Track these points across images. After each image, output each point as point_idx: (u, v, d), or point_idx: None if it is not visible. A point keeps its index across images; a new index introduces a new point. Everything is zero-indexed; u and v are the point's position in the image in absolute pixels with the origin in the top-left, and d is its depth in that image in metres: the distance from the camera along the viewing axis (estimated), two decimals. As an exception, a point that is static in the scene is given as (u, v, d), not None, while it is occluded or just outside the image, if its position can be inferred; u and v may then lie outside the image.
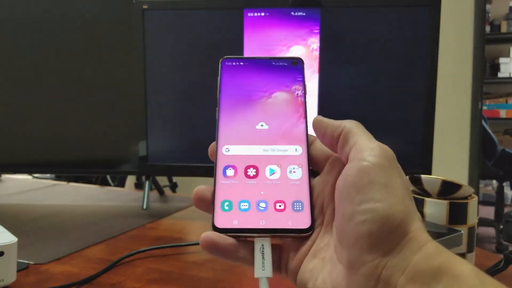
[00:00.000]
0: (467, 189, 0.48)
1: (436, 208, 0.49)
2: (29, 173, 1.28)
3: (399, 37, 0.72)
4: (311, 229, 0.29)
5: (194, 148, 0.78)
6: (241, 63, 0.35)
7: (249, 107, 0.33)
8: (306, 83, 0.34)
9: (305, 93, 0.33)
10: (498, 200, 2.67)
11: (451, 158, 1.91)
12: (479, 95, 1.93)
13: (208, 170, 0.70)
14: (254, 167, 0.31)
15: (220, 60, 0.36)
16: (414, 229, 0.25)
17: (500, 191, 2.65)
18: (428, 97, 0.72)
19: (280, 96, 0.33)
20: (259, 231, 0.28)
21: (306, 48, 0.73)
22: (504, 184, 2.70)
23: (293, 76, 0.34)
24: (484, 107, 3.38)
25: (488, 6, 3.43)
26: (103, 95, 0.88)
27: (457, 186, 0.48)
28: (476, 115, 1.93)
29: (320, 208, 0.30)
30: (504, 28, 3.56)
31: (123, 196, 1.02)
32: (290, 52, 0.73)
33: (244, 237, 0.29)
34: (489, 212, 2.82)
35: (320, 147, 0.32)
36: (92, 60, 0.88)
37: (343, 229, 0.26)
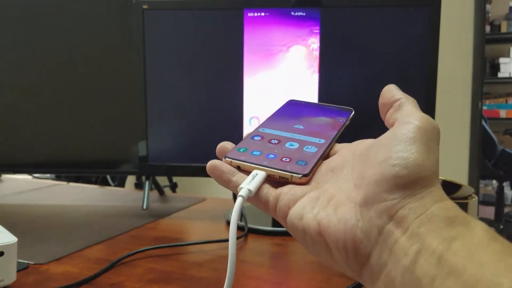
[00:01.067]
0: (467, 189, 0.48)
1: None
2: (29, 173, 1.28)
3: (399, 37, 0.72)
4: (307, 175, 0.31)
5: (194, 148, 0.78)
6: (303, 103, 0.43)
7: (295, 118, 0.40)
8: (349, 122, 0.40)
9: (344, 124, 0.39)
10: (498, 200, 2.67)
11: (451, 158, 1.91)
12: (479, 95, 1.93)
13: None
14: (279, 139, 0.36)
15: (286, 100, 0.43)
16: (437, 187, 0.26)
17: (500, 191, 2.66)
18: (428, 97, 0.72)
19: (324, 118, 0.40)
20: (259, 165, 0.32)
21: (306, 48, 0.73)
22: (504, 184, 2.71)
23: (341, 113, 0.41)
24: (484, 107, 3.38)
25: (488, 6, 3.43)
26: (103, 95, 0.88)
27: (457, 186, 0.48)
28: (476, 115, 1.93)
29: (329, 171, 0.32)
30: (504, 28, 3.56)
31: (123, 196, 1.02)
32: (290, 52, 0.74)
33: (245, 167, 0.32)
34: (489, 212, 2.82)
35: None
36: (92, 60, 0.88)
37: (368, 172, 0.27)
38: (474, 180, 1.95)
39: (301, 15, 0.73)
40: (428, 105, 0.72)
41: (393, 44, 0.73)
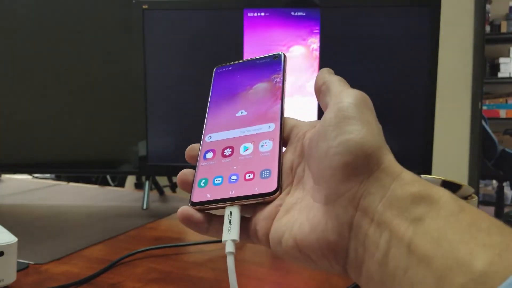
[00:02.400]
0: (467, 189, 0.48)
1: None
2: (29, 173, 1.28)
3: (399, 37, 0.72)
4: (276, 191, 0.30)
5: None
6: (230, 68, 0.39)
7: (233, 100, 0.36)
8: (287, 72, 0.36)
9: (283, 80, 0.35)
10: (498, 200, 2.68)
11: (451, 158, 1.91)
12: (479, 95, 1.93)
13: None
14: (231, 147, 0.33)
15: (214, 70, 0.39)
16: (388, 160, 0.25)
17: (500, 191, 2.66)
18: (428, 97, 0.72)
19: (260, 86, 0.36)
20: (228, 200, 0.30)
21: (306, 48, 0.73)
22: (504, 184, 2.71)
23: (273, 68, 0.37)
24: (484, 107, 3.38)
25: (488, 6, 3.43)
26: (103, 95, 0.88)
27: (457, 186, 0.48)
28: (476, 115, 1.93)
29: (289, 170, 0.31)
30: (504, 28, 3.56)
31: (123, 196, 1.02)
32: (290, 52, 0.74)
33: (216, 208, 0.31)
34: (489, 212, 2.81)
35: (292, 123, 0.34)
36: (92, 60, 0.88)
37: (319, 168, 0.27)
38: (474, 180, 1.95)
39: (301, 15, 0.73)
40: (428, 105, 0.72)
41: (393, 44, 0.72)
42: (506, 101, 3.61)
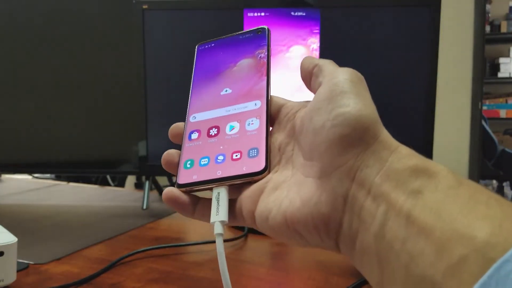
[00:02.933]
0: (467, 189, 0.48)
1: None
2: (29, 173, 1.28)
3: (399, 37, 0.72)
4: (264, 170, 0.29)
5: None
6: (212, 44, 0.38)
7: (216, 79, 0.35)
8: (271, 46, 0.35)
9: (268, 55, 0.34)
10: (498, 200, 2.67)
11: (451, 158, 1.91)
12: (479, 95, 1.93)
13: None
14: (216, 127, 0.32)
15: (196, 46, 0.38)
16: (384, 134, 0.25)
17: (500, 191, 2.66)
18: (428, 97, 0.72)
19: (244, 62, 0.35)
20: (215, 181, 0.29)
21: (306, 48, 0.73)
22: (504, 184, 2.71)
23: (257, 43, 0.35)
24: (484, 107, 3.38)
25: (488, 6, 3.43)
26: (103, 95, 0.88)
27: (457, 186, 0.48)
28: (476, 115, 1.93)
29: (277, 150, 0.30)
30: (504, 28, 3.56)
31: (123, 196, 1.02)
32: (290, 52, 0.74)
33: (203, 189, 0.30)
34: (489, 212, 2.82)
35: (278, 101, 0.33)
36: (92, 60, 0.88)
37: (314, 142, 0.26)
38: (474, 180, 1.94)
39: (301, 15, 0.73)
40: (428, 105, 0.72)
41: (393, 44, 0.72)
42: (506, 101, 3.61)
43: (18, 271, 0.52)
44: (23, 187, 1.10)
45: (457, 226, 0.20)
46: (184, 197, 0.30)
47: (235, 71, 0.35)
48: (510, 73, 3.56)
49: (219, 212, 0.28)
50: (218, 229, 0.28)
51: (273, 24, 0.74)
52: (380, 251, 0.22)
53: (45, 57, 0.88)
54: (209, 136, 0.32)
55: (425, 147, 0.73)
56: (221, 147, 0.31)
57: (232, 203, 0.30)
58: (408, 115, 0.73)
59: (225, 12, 0.75)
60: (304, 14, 0.73)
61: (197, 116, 0.34)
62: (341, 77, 0.27)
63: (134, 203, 0.94)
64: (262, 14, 0.74)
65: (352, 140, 0.24)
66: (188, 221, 0.81)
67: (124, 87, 0.87)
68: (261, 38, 0.35)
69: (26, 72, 0.88)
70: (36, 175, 1.33)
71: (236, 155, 0.30)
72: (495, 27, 3.59)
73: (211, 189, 0.30)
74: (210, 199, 0.29)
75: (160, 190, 1.05)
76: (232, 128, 0.32)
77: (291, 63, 0.74)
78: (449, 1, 1.78)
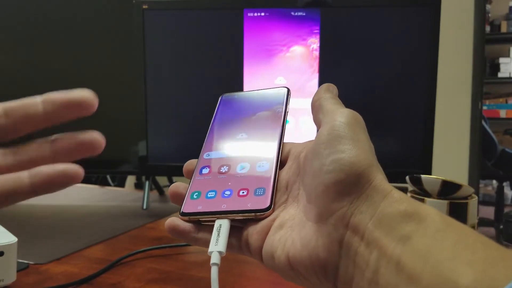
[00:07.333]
0: (467, 189, 0.48)
1: (436, 208, 0.49)
2: (29, 173, 1.28)
3: (399, 37, 0.72)
4: (268, 209, 0.29)
5: (194, 148, 0.78)
6: (235, 96, 0.40)
7: (235, 124, 0.37)
8: (289, 105, 0.38)
9: (285, 111, 0.37)
10: (498, 200, 2.67)
11: (451, 158, 1.91)
12: (479, 95, 1.93)
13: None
14: (227, 165, 0.34)
15: (220, 97, 0.41)
16: (377, 179, 0.26)
17: (500, 191, 2.65)
18: (428, 97, 0.72)
19: (262, 113, 0.37)
20: (219, 213, 0.30)
21: (306, 48, 0.73)
22: (504, 184, 2.70)
23: (277, 99, 0.38)
24: (484, 107, 3.38)
25: (488, 6, 3.43)
26: (103, 95, 0.88)
27: (457, 186, 0.48)
28: (476, 115, 1.93)
29: (285, 189, 0.31)
30: (504, 28, 3.56)
31: (123, 196, 1.02)
32: (290, 52, 0.74)
33: (206, 220, 0.30)
34: (489, 212, 2.82)
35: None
36: (92, 60, 0.88)
37: (312, 185, 0.27)
38: (474, 180, 1.95)
39: (301, 15, 0.73)
40: (428, 105, 0.72)
41: (393, 44, 0.73)
42: (506, 101, 3.61)
43: (18, 271, 0.52)
44: (23, 187, 1.10)
45: (443, 271, 0.21)
46: (185, 225, 0.31)
47: (252, 119, 0.37)
48: (510, 73, 3.55)
49: (218, 243, 0.29)
50: (214, 259, 0.28)
51: (273, 24, 0.74)
52: None
53: (45, 57, 0.88)
54: (220, 172, 0.33)
55: (425, 147, 0.73)
56: (229, 183, 0.32)
57: (239, 235, 0.30)
58: (408, 115, 0.73)
59: (225, 12, 0.75)
60: (304, 14, 0.73)
61: (211, 154, 0.35)
62: (338, 120, 0.28)
63: (134, 203, 0.94)
64: (262, 14, 0.74)
65: (346, 185, 0.25)
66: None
67: (124, 87, 0.87)
68: (281, 96, 0.38)
69: (26, 72, 0.88)
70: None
71: (243, 192, 0.31)
72: (495, 27, 3.58)
73: (213, 221, 0.30)
74: (211, 226, 0.30)
75: (160, 190, 1.05)
76: (242, 167, 0.33)
77: (291, 63, 0.74)
78: (449, 1, 1.78)
